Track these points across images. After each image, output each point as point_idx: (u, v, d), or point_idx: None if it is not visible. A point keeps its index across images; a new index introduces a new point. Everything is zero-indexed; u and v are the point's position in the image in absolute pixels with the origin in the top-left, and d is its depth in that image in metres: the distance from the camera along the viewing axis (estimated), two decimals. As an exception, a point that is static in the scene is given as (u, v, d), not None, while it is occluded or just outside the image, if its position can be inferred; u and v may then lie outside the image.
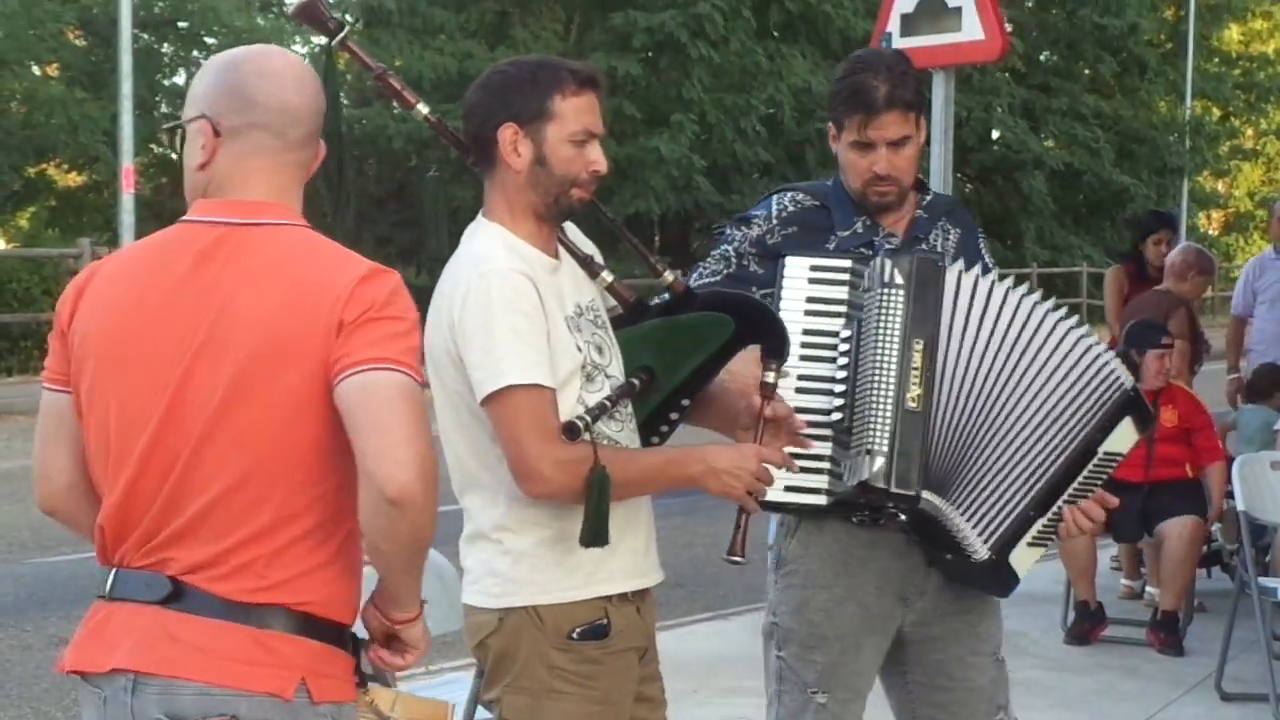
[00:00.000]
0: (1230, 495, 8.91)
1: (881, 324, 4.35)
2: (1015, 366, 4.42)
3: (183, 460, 3.15)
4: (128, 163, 25.92)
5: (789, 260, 4.50)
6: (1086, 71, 47.26)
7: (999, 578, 4.52)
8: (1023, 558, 4.51)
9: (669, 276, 4.24)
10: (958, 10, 7.90)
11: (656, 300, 4.32)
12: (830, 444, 4.41)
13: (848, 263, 4.51)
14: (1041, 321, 4.45)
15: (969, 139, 40.49)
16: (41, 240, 33.80)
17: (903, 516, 4.45)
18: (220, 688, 3.10)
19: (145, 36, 33.66)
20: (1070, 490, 4.48)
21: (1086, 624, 9.31)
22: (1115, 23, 44.49)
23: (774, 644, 4.76)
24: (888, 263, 4.41)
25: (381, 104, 33.27)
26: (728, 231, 4.73)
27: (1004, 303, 4.44)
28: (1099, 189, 45.51)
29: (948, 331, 4.39)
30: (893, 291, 4.36)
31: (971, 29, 7.86)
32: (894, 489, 4.29)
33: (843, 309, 4.46)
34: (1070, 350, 4.45)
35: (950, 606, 4.67)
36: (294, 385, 3.11)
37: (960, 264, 4.51)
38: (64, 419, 3.34)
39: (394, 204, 37.71)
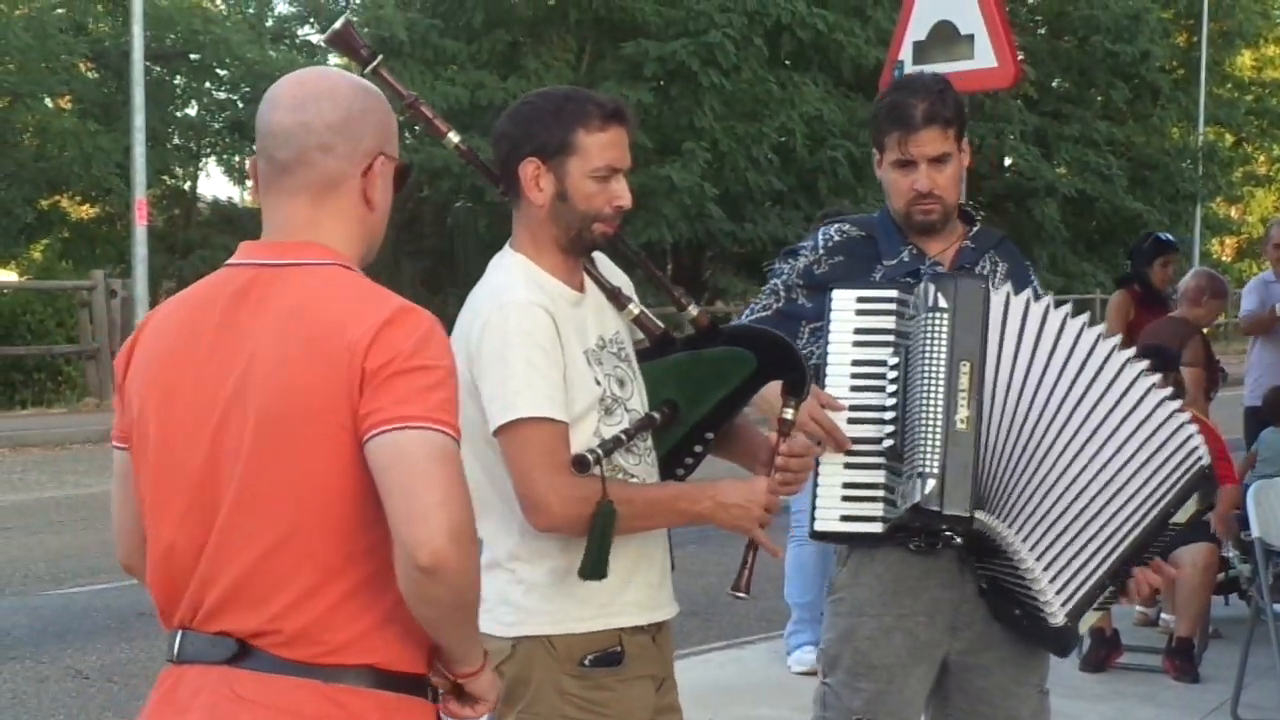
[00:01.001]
0: (1242, 520, 8.90)
1: (928, 348, 4.38)
2: (1073, 389, 4.43)
3: (219, 522, 3.01)
4: (140, 195, 25.99)
5: (836, 294, 4.53)
6: (1099, 98, 47.22)
7: (1063, 639, 4.53)
8: (1087, 619, 4.53)
9: (693, 310, 4.24)
10: (970, 38, 7.92)
11: (682, 334, 4.31)
12: (884, 472, 4.43)
13: (894, 293, 4.53)
14: (1108, 356, 4.45)
15: (981, 166, 40.49)
16: (55, 272, 33.86)
17: (958, 540, 4.48)
18: None
19: (157, 69, 33.77)
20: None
21: (1101, 651, 9.27)
22: (1127, 49, 44.43)
23: (822, 670, 4.79)
24: (931, 287, 4.44)
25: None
26: (777, 265, 4.75)
27: (1062, 329, 4.45)
28: (1112, 216, 45.44)
29: (997, 352, 4.41)
30: (938, 315, 4.39)
31: (984, 56, 7.87)
32: (946, 510, 4.30)
33: (891, 338, 4.47)
34: (1154, 409, 4.45)
35: (998, 636, 4.67)
36: (318, 438, 2.94)
37: (1009, 286, 4.53)
38: (128, 477, 3.21)
39: (405, 234, 37.77)
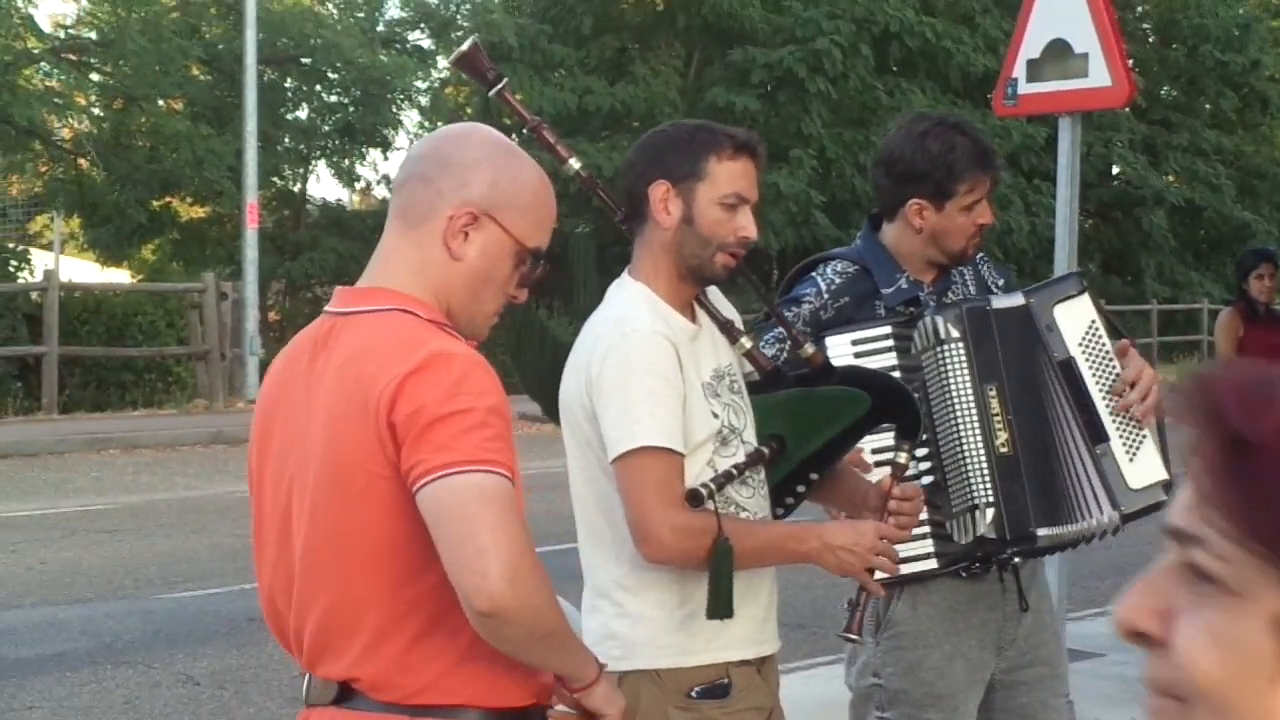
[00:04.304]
0: None
1: (948, 380, 4.45)
2: (1061, 381, 4.56)
3: (297, 573, 3.09)
4: (251, 197, 26.27)
5: (829, 340, 4.46)
6: (1208, 107, 46.83)
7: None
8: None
9: (809, 349, 4.22)
10: (1085, 56, 7.84)
11: (795, 371, 4.28)
12: (926, 508, 4.40)
13: (887, 329, 4.54)
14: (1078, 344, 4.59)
15: (1089, 175, 40.20)
16: (165, 273, 34.22)
17: (1017, 560, 4.56)
18: None
19: (269, 72, 34.07)
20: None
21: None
22: (1237, 59, 44.05)
23: (873, 705, 4.79)
24: (938, 319, 4.48)
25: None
26: (782, 312, 4.66)
27: (1036, 323, 4.57)
28: (1220, 225, 45.07)
29: (1011, 370, 4.50)
30: (951, 346, 4.45)
31: (1099, 75, 7.79)
32: (1010, 535, 4.39)
33: (897, 375, 4.46)
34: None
35: (1036, 653, 4.75)
36: (364, 491, 2.99)
37: (1003, 300, 4.64)
38: None
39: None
